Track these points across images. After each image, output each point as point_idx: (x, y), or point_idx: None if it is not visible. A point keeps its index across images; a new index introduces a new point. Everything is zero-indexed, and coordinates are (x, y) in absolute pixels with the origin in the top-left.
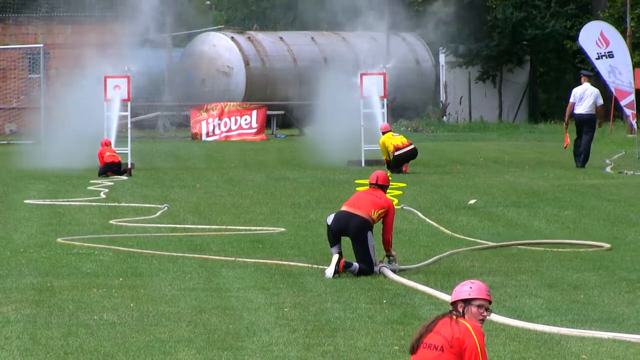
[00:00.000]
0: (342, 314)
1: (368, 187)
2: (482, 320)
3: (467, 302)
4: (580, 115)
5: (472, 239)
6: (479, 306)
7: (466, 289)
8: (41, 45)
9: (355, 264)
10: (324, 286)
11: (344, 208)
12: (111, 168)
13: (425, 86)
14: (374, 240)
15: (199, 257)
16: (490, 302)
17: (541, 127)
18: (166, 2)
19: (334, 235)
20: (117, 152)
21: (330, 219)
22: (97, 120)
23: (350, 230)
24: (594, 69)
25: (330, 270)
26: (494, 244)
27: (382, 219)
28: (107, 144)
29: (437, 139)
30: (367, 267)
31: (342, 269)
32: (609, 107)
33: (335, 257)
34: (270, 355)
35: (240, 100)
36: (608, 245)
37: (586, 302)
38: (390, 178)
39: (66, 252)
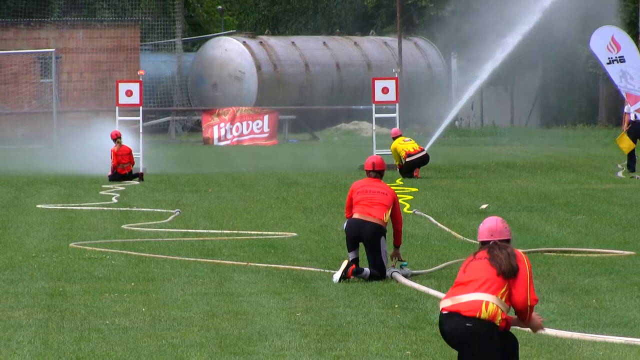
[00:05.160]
0: (354, 319)
1: (367, 176)
2: None
3: None
4: None
5: None
6: None
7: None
8: (53, 49)
9: (367, 270)
10: (335, 291)
11: (355, 215)
12: (123, 177)
13: (437, 90)
14: (386, 245)
15: (210, 261)
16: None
17: (553, 131)
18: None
19: (351, 241)
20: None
21: (345, 226)
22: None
23: (363, 236)
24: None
25: (337, 275)
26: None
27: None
28: (118, 135)
29: (448, 143)
30: (379, 273)
31: (352, 275)
32: (621, 112)
33: (345, 263)
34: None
35: (252, 104)
36: (632, 253)
37: (598, 306)
38: (402, 183)
39: (78, 256)
